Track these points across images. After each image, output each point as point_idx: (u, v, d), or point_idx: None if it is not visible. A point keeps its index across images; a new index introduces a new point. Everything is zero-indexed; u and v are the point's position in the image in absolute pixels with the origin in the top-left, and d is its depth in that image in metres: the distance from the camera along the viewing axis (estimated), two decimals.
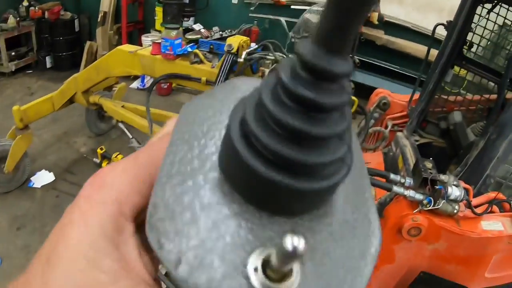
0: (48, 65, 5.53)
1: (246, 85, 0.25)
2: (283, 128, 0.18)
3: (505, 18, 2.36)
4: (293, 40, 4.34)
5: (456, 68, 2.48)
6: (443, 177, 1.49)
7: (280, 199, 0.20)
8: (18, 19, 5.05)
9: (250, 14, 5.15)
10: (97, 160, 3.50)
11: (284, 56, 2.33)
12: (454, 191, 1.45)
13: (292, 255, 0.16)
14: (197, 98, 0.26)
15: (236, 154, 0.19)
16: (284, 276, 0.18)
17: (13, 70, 5.16)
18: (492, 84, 2.46)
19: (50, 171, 3.43)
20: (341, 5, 0.15)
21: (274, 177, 0.18)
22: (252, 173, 0.18)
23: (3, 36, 4.84)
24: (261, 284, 0.18)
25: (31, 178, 3.32)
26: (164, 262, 0.19)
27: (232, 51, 2.30)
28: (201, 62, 2.58)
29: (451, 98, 2.58)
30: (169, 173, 0.21)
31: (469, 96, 2.57)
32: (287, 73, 0.18)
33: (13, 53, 5.22)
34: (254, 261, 0.18)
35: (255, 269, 0.18)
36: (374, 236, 0.22)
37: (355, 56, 4.72)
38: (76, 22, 5.55)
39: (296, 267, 0.18)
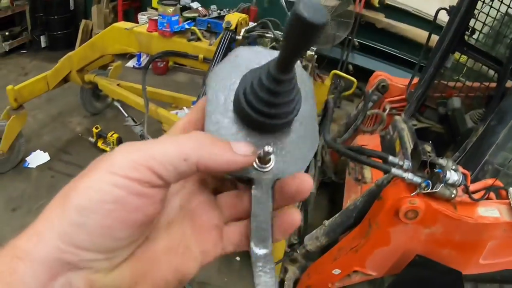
0: (43, 44, 5.42)
1: (251, 54, 0.40)
2: (262, 99, 0.34)
3: (508, 6, 2.32)
4: None
5: (457, 55, 2.46)
6: (441, 161, 1.48)
7: (264, 127, 0.36)
8: None
9: None
10: (93, 140, 3.46)
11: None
12: (453, 176, 1.44)
13: (266, 154, 0.35)
14: (221, 64, 0.40)
15: (241, 106, 0.35)
16: (267, 161, 0.36)
17: (7, 50, 5.06)
18: (492, 72, 2.44)
19: (45, 151, 3.40)
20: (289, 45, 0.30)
21: (259, 119, 0.35)
22: (249, 116, 0.35)
23: None
24: (256, 165, 0.36)
25: (26, 159, 3.28)
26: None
27: (231, 28, 2.25)
28: (198, 39, 2.52)
29: (451, 84, 2.56)
30: (210, 111, 0.37)
31: (468, 83, 2.55)
32: (265, 75, 0.33)
33: (6, 33, 5.10)
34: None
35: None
36: (316, 141, 0.39)
37: (355, 39, 4.67)
38: (71, 0, 5.42)
39: (272, 158, 0.36)
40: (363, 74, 3.46)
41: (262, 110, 0.34)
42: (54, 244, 0.28)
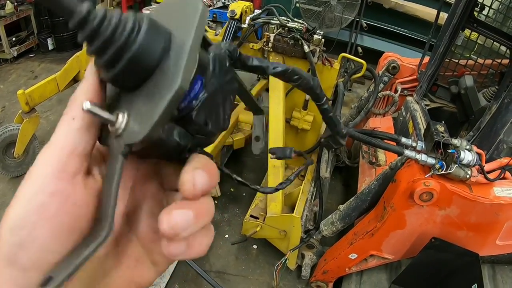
0: (50, 47, 5.47)
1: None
2: None
3: None
4: (297, 5, 4.21)
5: (467, 32, 2.40)
6: (455, 141, 1.46)
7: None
8: (15, 4, 4.94)
9: None
10: None
11: (289, 20, 2.25)
12: (467, 156, 1.42)
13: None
14: None
15: None
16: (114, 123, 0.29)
17: (15, 55, 5.10)
18: (504, 48, 2.38)
19: None
20: None
21: None
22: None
23: (2, 22, 4.74)
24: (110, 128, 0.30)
25: None
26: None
27: (235, 17, 2.23)
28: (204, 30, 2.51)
29: (462, 62, 2.51)
30: None
31: (480, 60, 2.50)
32: None
33: (13, 39, 5.14)
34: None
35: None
36: (173, 85, 0.27)
37: (362, 20, 4.60)
38: None
39: (121, 118, 0.29)
40: (373, 56, 3.41)
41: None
42: (7, 272, 0.27)
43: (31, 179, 0.29)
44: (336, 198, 2.99)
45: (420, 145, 1.52)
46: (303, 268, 2.17)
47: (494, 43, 2.37)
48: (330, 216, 1.93)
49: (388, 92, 2.61)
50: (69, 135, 0.29)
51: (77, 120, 0.30)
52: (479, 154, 1.47)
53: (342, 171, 3.24)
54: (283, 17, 2.26)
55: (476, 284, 1.63)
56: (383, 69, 2.60)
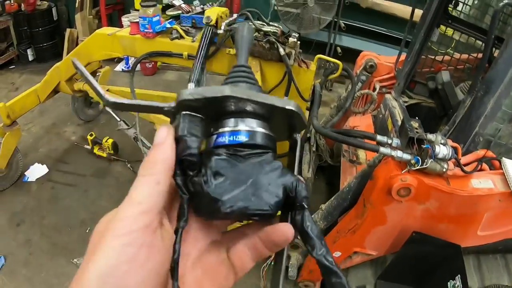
0: (30, 58, 5.42)
1: None
2: None
3: None
4: (276, 8, 4.23)
5: (443, 28, 2.44)
6: (430, 136, 1.48)
7: None
8: None
9: None
10: (88, 147, 3.48)
11: (265, 24, 2.27)
12: (442, 150, 1.44)
13: None
14: None
15: None
16: None
17: None
18: (480, 43, 2.42)
19: (43, 164, 3.41)
20: None
21: None
22: None
23: None
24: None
25: (25, 173, 3.30)
26: None
27: (211, 23, 2.25)
28: (181, 37, 2.52)
29: (439, 57, 2.55)
30: None
31: (457, 55, 2.53)
32: None
33: None
34: None
35: None
36: None
37: (340, 21, 4.64)
38: (54, 10, 5.39)
39: None
40: (352, 55, 3.44)
41: None
42: None
43: (119, 233, 0.32)
44: (320, 198, 3.00)
45: (396, 141, 1.54)
46: (290, 269, 2.18)
47: (470, 38, 2.41)
48: (312, 215, 1.95)
49: (366, 90, 2.64)
50: (154, 197, 0.34)
51: (162, 185, 0.35)
52: (454, 148, 1.50)
53: (325, 171, 3.27)
54: (258, 22, 2.27)
55: (459, 275, 1.65)
56: (361, 68, 2.63)
